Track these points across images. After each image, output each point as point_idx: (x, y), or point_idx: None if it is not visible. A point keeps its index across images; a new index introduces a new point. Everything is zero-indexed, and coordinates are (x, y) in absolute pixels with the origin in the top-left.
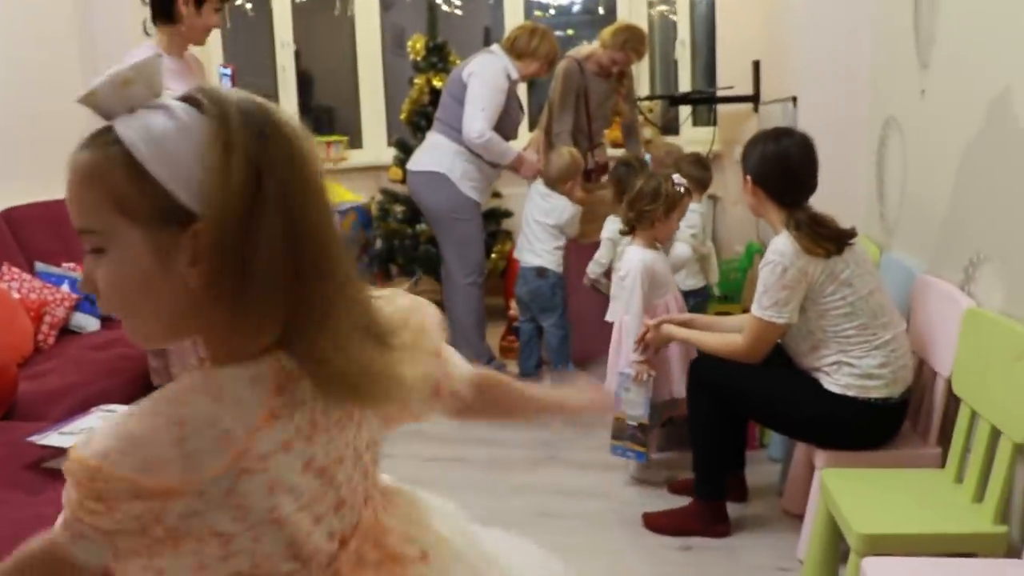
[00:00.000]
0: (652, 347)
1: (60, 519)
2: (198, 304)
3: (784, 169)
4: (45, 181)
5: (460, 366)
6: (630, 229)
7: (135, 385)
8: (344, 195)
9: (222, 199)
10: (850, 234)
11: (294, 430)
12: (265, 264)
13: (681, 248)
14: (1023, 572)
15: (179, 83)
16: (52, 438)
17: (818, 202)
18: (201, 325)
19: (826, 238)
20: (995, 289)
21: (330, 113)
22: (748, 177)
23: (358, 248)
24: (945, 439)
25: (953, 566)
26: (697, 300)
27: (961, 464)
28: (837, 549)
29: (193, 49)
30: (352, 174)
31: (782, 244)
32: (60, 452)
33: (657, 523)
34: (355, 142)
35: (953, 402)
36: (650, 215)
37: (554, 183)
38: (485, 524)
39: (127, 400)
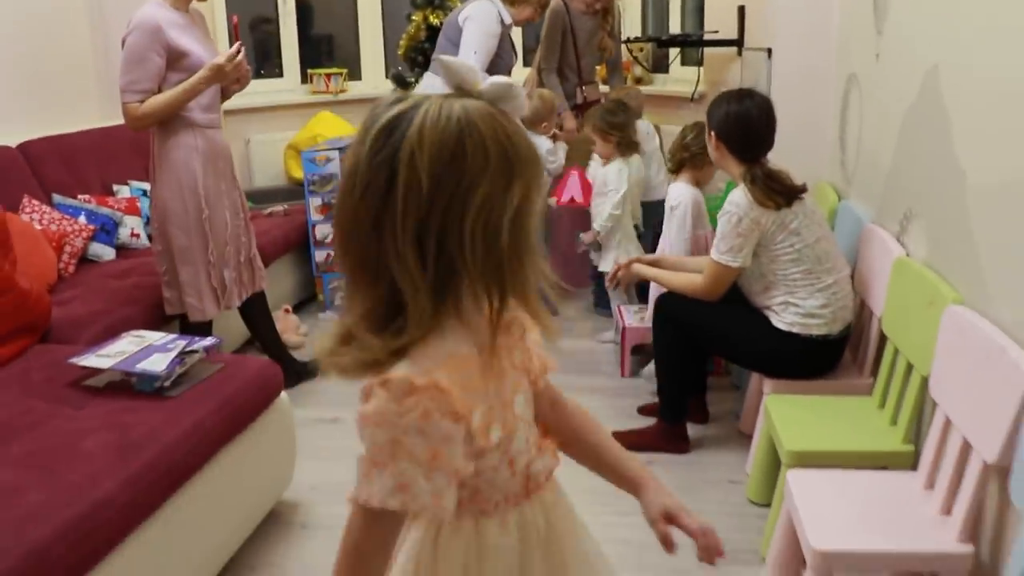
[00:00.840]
0: (624, 283)
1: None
2: None
3: (745, 128)
4: (57, 115)
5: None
6: (678, 167)
7: (153, 313)
8: (346, 128)
9: None
10: (800, 189)
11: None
12: None
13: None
14: (917, 483)
15: (186, 36)
16: (90, 359)
17: (789, 148)
18: None
19: (778, 192)
20: (921, 242)
21: (329, 42)
22: (712, 133)
23: None
24: (876, 371)
25: (860, 476)
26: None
27: (885, 393)
28: (776, 463)
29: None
30: (352, 105)
31: (738, 196)
32: (97, 372)
33: (625, 440)
34: (354, 74)
35: (883, 339)
36: (703, 157)
37: (529, 124)
38: None
39: (147, 326)
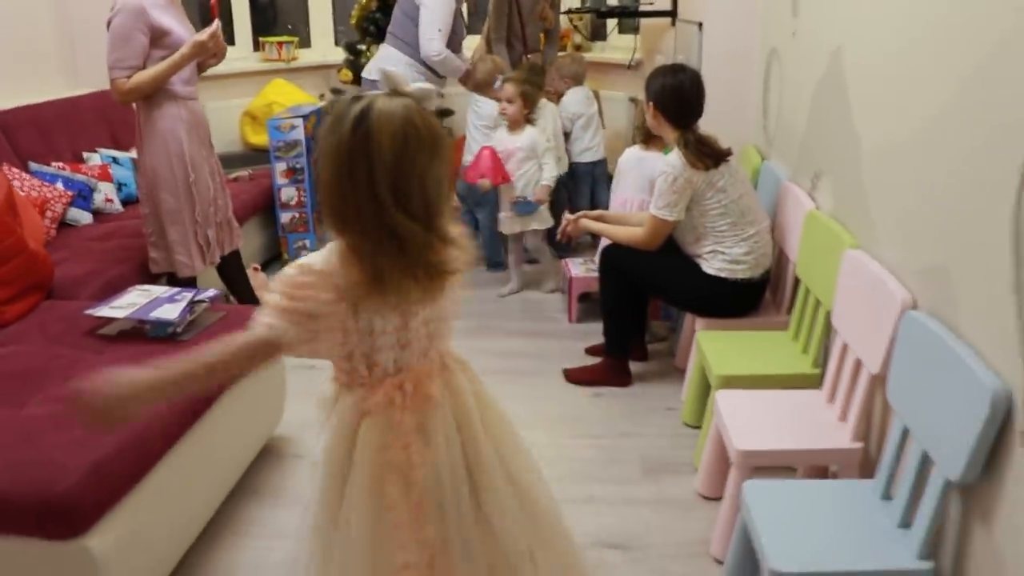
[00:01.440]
0: (574, 236)
1: (261, 321)
2: None
3: (679, 98)
4: (28, 85)
5: None
6: (647, 139)
7: (142, 271)
8: (299, 96)
9: None
10: (727, 153)
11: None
12: None
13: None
14: (822, 397)
15: (167, 16)
16: (104, 311)
17: (718, 114)
18: None
19: (707, 155)
20: (828, 197)
21: (275, 7)
22: (651, 103)
23: (317, 146)
24: (792, 309)
25: (776, 394)
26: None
27: (799, 327)
28: (707, 390)
29: None
30: (303, 73)
31: (673, 158)
32: (110, 321)
33: (575, 376)
34: (304, 42)
35: (797, 282)
36: None
37: (480, 88)
38: None
39: (140, 283)
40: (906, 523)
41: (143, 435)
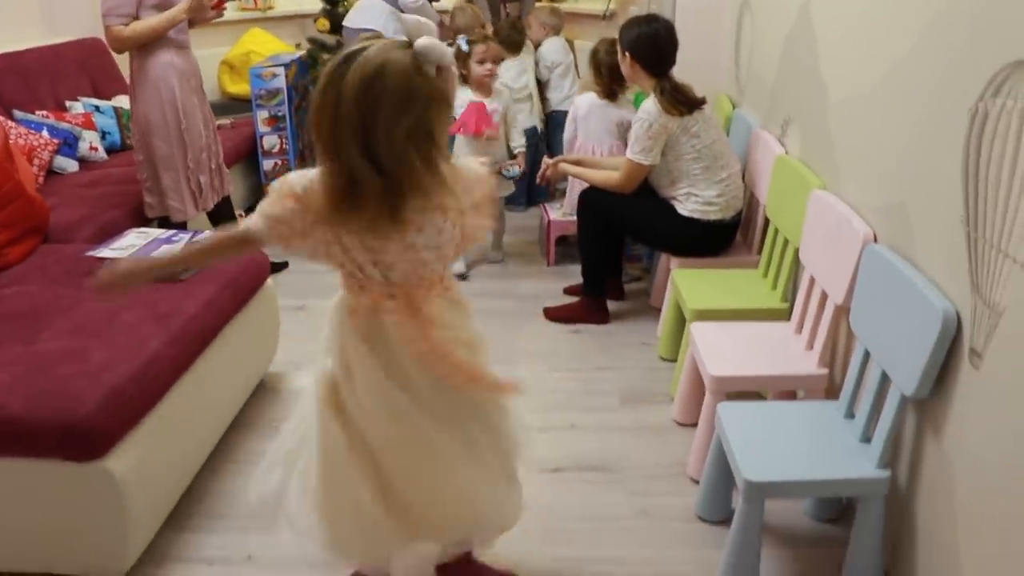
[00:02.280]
0: (553, 180)
1: (252, 218)
2: None
3: (654, 46)
4: (7, 34)
5: None
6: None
7: (134, 216)
8: (277, 45)
9: None
10: (701, 101)
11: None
12: None
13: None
14: (790, 329)
15: None
16: (105, 252)
17: (693, 64)
18: None
19: (682, 102)
20: (796, 142)
21: None
22: (627, 53)
23: (299, 95)
24: (762, 249)
25: (747, 326)
26: (534, 136)
27: (768, 265)
28: (682, 326)
29: None
30: (280, 22)
31: (649, 105)
32: (111, 262)
33: (554, 314)
34: None
35: (767, 223)
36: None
37: (464, 31)
38: None
39: (133, 227)
40: (867, 438)
41: (153, 365)
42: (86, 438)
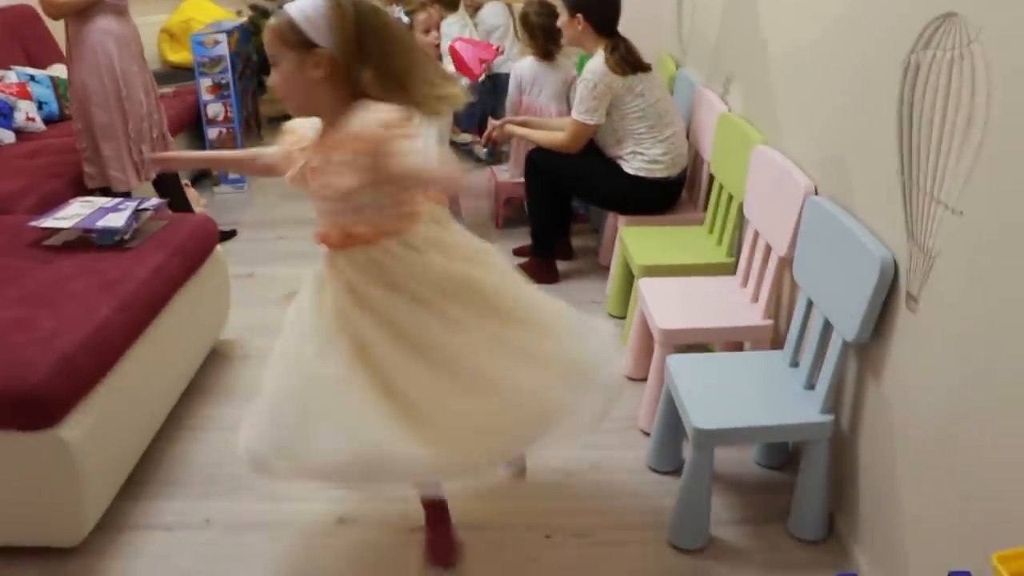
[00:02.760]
0: (500, 141)
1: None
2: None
3: (606, 5)
4: None
5: None
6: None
7: (75, 186)
8: (217, 12)
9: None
10: (647, 66)
11: None
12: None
13: None
14: (736, 283)
15: None
16: (50, 222)
17: (637, 24)
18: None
19: (629, 64)
20: (738, 100)
21: None
22: (578, 14)
23: (242, 62)
24: (707, 206)
25: (694, 280)
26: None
27: (713, 221)
28: (630, 283)
29: None
30: None
31: (594, 65)
32: (54, 232)
33: None
34: None
35: (712, 180)
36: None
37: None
38: None
39: (75, 196)
40: (811, 385)
41: (103, 332)
42: (38, 406)
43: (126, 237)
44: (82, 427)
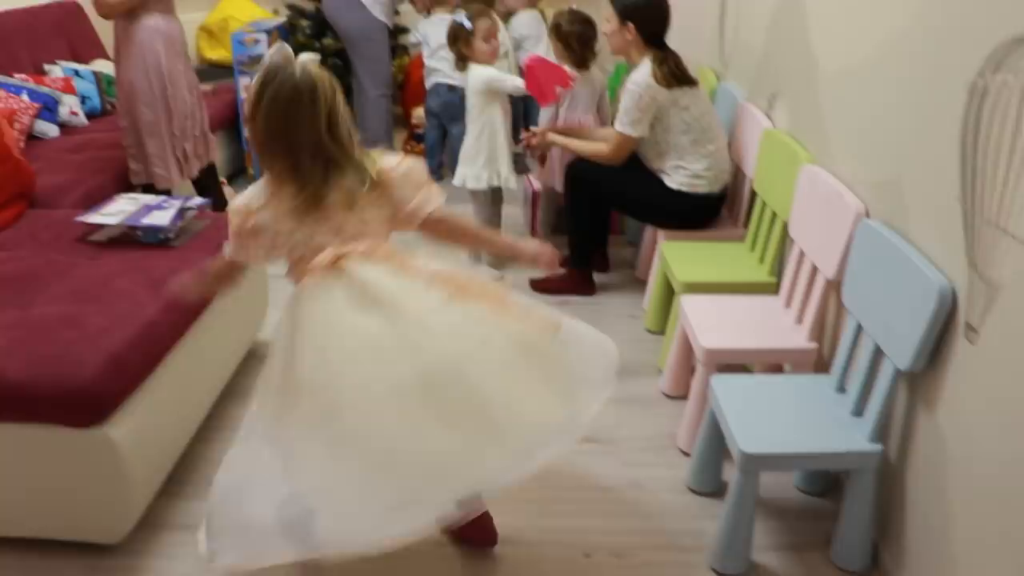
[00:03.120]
0: (542, 150)
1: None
2: None
3: (659, 16)
4: None
5: (433, 201)
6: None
7: (120, 182)
8: (255, 11)
9: None
10: (694, 80)
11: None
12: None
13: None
14: (779, 303)
15: None
16: (96, 218)
17: (677, 38)
18: None
19: (676, 76)
20: (784, 116)
21: None
22: (628, 22)
23: None
24: (748, 223)
25: (736, 299)
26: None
27: (755, 238)
28: (669, 298)
29: None
30: None
31: (639, 76)
32: (100, 228)
33: (541, 286)
34: None
35: (754, 197)
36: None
37: (432, 8)
38: None
39: (119, 192)
40: (859, 412)
41: (151, 332)
42: (88, 404)
43: (171, 236)
44: (128, 426)
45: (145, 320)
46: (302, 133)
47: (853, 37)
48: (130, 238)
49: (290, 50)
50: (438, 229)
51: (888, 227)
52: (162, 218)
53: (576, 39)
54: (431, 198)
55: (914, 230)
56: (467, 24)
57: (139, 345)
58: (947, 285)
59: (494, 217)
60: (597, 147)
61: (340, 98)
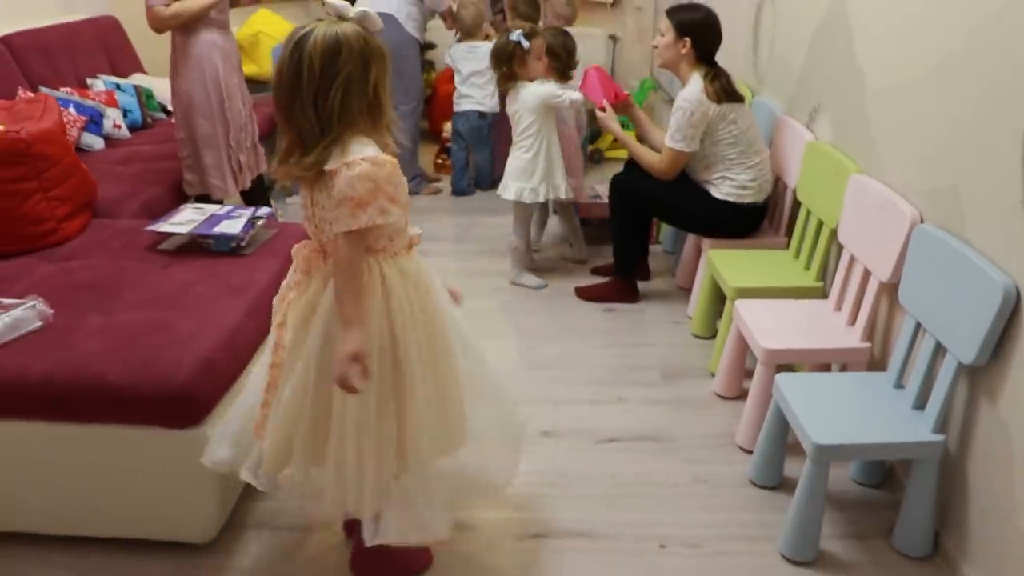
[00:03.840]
0: (603, 126)
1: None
2: None
3: (715, 33)
4: (27, 9)
5: (337, 225)
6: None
7: (174, 192)
8: (286, 26)
9: None
10: (742, 97)
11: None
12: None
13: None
14: (828, 307)
15: None
16: (166, 227)
17: None
18: None
19: (727, 93)
20: (827, 129)
21: None
22: (686, 38)
23: None
24: (789, 231)
25: (788, 303)
26: None
27: (799, 246)
28: (716, 304)
29: None
30: (286, 3)
31: (689, 93)
32: (169, 237)
33: (586, 293)
34: None
35: (796, 206)
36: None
37: (471, 32)
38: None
39: (174, 204)
40: (920, 405)
41: (237, 335)
42: (185, 405)
43: (242, 244)
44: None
45: (232, 325)
46: (290, 101)
47: (905, 56)
48: (198, 246)
49: (347, 10)
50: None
51: (946, 231)
52: (234, 227)
53: (562, 48)
54: (339, 220)
55: (972, 234)
56: (524, 43)
57: (228, 348)
58: (1011, 283)
59: (542, 221)
60: (652, 160)
61: (349, 70)
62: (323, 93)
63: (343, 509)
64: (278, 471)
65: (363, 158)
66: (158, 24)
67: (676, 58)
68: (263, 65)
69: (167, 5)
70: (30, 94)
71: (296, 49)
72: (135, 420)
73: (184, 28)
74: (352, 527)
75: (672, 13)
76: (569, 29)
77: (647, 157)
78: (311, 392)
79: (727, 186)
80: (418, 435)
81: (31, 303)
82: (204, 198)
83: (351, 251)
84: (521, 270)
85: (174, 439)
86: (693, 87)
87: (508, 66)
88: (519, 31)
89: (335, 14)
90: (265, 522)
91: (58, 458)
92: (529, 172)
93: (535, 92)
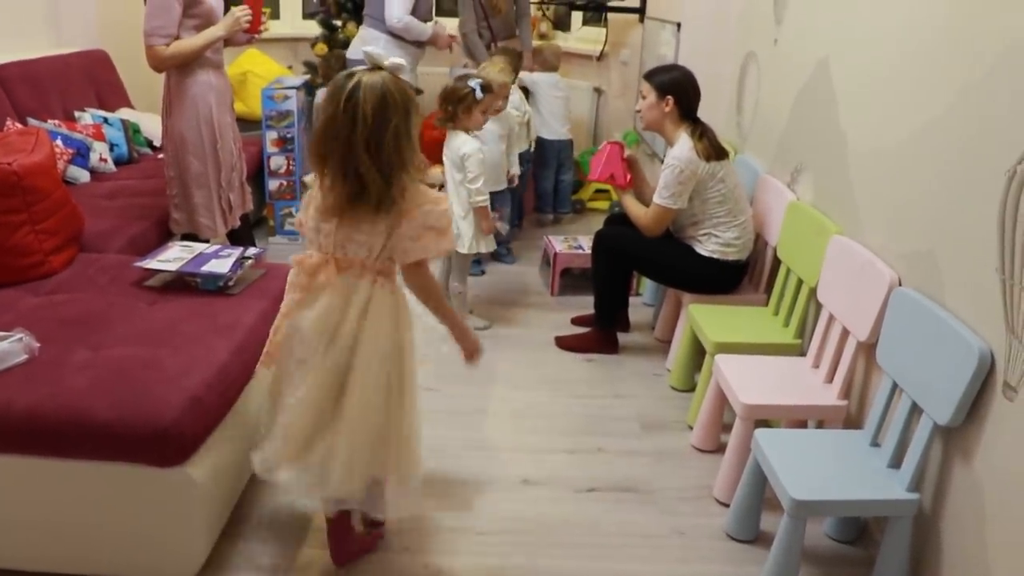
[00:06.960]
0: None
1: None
2: None
3: (694, 91)
4: (16, 42)
5: (425, 252)
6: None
7: (160, 228)
8: (273, 67)
9: None
10: (727, 153)
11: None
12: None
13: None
14: (805, 365)
15: None
16: (154, 263)
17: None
18: None
19: (714, 149)
20: (808, 189)
21: None
22: (668, 96)
23: (305, 117)
24: (769, 288)
25: (766, 359)
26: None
27: (778, 304)
28: (695, 358)
29: None
30: (273, 44)
31: (679, 151)
32: (156, 274)
33: (567, 344)
34: (273, 13)
35: (776, 263)
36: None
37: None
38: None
39: (160, 240)
40: (895, 463)
41: (225, 374)
42: (172, 443)
43: (229, 284)
44: (206, 465)
45: (220, 363)
46: (336, 144)
47: (887, 120)
48: (184, 284)
49: (377, 57)
50: (412, 279)
51: (923, 294)
52: (221, 266)
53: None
54: (426, 248)
55: (950, 298)
56: (478, 93)
57: (215, 387)
58: (986, 348)
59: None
60: (639, 214)
61: (397, 119)
62: (375, 139)
63: (342, 495)
64: (286, 460)
65: (440, 196)
66: (158, 63)
67: (660, 117)
68: (251, 105)
69: (167, 45)
70: (19, 125)
71: (349, 100)
72: (120, 457)
73: (181, 68)
74: (334, 529)
75: (651, 76)
76: (558, 82)
77: (635, 210)
78: (328, 395)
79: (712, 243)
80: (410, 435)
81: (17, 336)
82: (190, 237)
83: (429, 272)
84: (465, 314)
85: (159, 477)
86: (683, 145)
87: (454, 108)
88: (479, 80)
89: (371, 63)
90: (246, 562)
91: (40, 493)
92: (470, 220)
93: (458, 149)
